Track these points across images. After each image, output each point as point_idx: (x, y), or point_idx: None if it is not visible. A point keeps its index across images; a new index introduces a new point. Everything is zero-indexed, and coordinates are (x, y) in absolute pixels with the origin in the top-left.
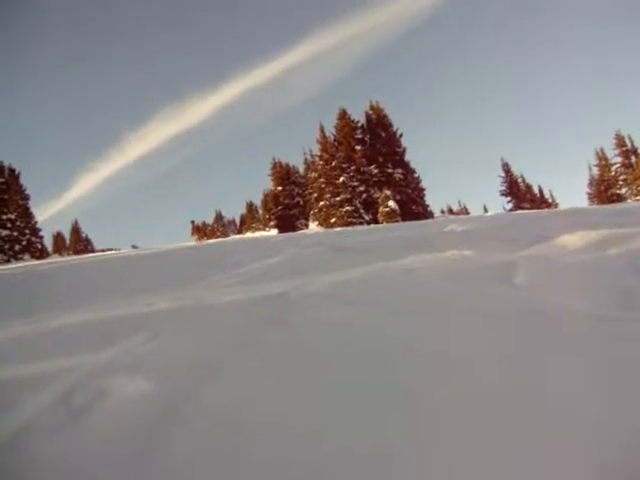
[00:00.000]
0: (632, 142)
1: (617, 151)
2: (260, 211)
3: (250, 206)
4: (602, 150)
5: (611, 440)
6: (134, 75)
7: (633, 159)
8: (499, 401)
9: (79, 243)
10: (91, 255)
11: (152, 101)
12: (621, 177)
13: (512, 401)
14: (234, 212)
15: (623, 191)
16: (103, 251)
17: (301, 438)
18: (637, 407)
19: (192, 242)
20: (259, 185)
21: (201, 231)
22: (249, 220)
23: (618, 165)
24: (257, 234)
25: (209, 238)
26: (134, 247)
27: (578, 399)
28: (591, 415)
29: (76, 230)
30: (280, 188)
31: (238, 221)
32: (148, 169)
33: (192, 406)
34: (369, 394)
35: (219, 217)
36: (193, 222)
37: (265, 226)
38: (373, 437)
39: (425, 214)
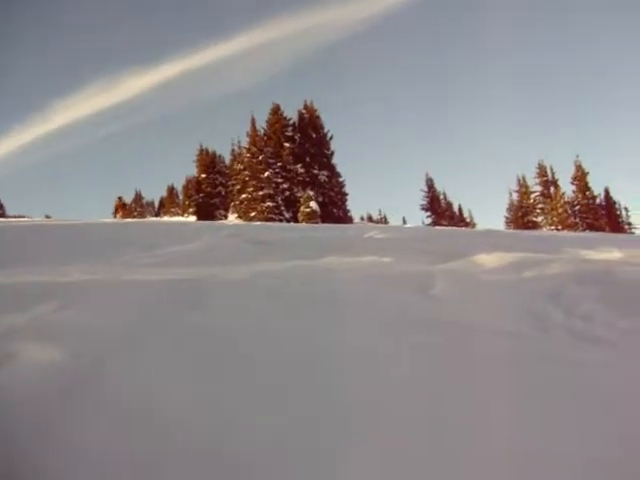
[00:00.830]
0: (553, 173)
1: (537, 180)
2: (180, 196)
3: (171, 190)
4: (523, 178)
5: (518, 452)
6: (69, 41)
7: (552, 190)
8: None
9: None
10: (3, 220)
11: (85, 70)
12: (539, 205)
13: (421, 398)
14: (154, 194)
15: (539, 219)
16: (15, 217)
17: (212, 418)
18: (542, 417)
19: (109, 219)
20: (182, 170)
21: (119, 210)
22: (168, 204)
23: (537, 194)
24: (175, 219)
25: (126, 217)
26: (47, 217)
27: (488, 411)
28: (501, 427)
29: None
30: (204, 176)
31: (157, 204)
32: (71, 140)
33: (103, 377)
34: (277, 379)
35: (138, 197)
36: (120, 198)
37: (184, 212)
38: (277, 416)
39: (345, 218)
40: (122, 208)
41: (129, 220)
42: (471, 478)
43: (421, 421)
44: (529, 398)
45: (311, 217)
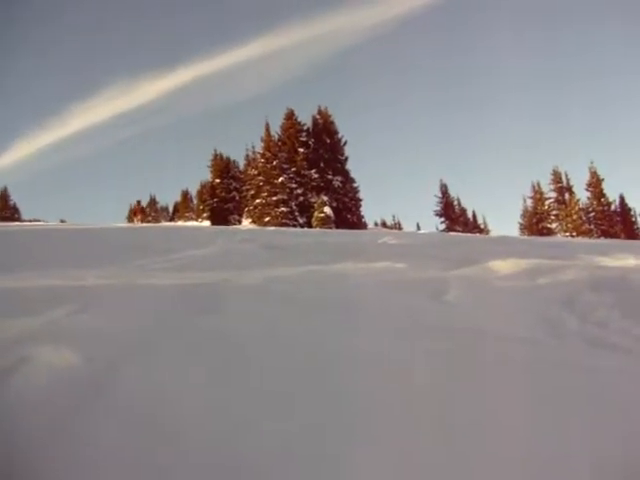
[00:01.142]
0: (568, 180)
1: (552, 186)
2: (195, 201)
3: (185, 195)
4: (538, 184)
5: (535, 461)
6: (87, 45)
7: (567, 196)
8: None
9: (6, 210)
10: (18, 224)
11: (102, 74)
12: (553, 212)
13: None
14: (168, 199)
15: (554, 226)
16: (30, 221)
17: (224, 423)
18: (556, 424)
19: (123, 223)
20: (197, 175)
21: (137, 213)
22: (182, 209)
23: (552, 200)
24: (189, 224)
25: (142, 221)
26: (62, 221)
27: (504, 420)
28: (517, 435)
29: (4, 197)
30: (218, 181)
31: (171, 208)
32: (88, 144)
33: (117, 381)
34: (289, 385)
35: (153, 202)
36: (139, 202)
37: (198, 217)
38: (289, 422)
39: (359, 224)
40: (141, 212)
41: (144, 224)
42: None
43: (433, 427)
44: (543, 404)
45: (325, 222)
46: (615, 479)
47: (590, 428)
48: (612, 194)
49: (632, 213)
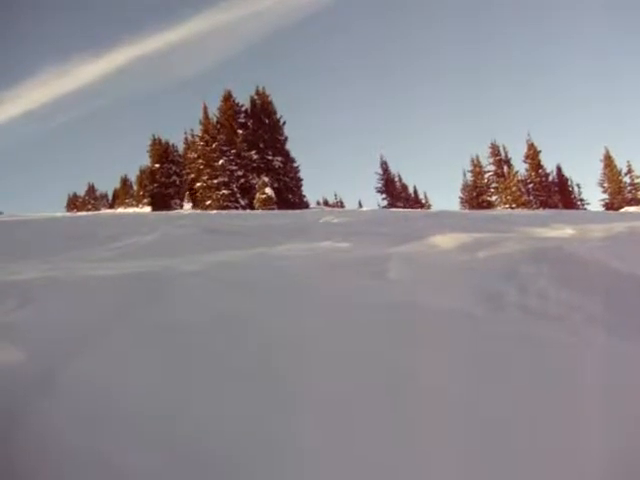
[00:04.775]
0: (506, 152)
1: (491, 160)
2: (134, 187)
3: (125, 181)
4: (477, 158)
5: (474, 431)
6: (15, 28)
7: (505, 169)
8: (369, 390)
9: None
10: None
11: (35, 58)
12: (493, 185)
13: (379, 389)
14: (107, 186)
15: (493, 198)
16: None
17: (171, 412)
18: (501, 401)
19: (61, 213)
20: (136, 160)
21: (72, 203)
22: (122, 195)
23: (491, 173)
24: (130, 210)
25: (79, 211)
26: None
27: (444, 391)
28: (458, 406)
29: None
30: (157, 165)
31: (111, 195)
32: (22, 131)
33: (65, 375)
34: (238, 375)
35: (92, 190)
36: (75, 194)
37: (138, 203)
38: (242, 415)
39: (301, 204)
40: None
41: (83, 213)
42: (418, 466)
43: (378, 407)
44: (484, 375)
45: (267, 204)
46: (555, 448)
47: (532, 398)
48: (549, 165)
49: (569, 183)
